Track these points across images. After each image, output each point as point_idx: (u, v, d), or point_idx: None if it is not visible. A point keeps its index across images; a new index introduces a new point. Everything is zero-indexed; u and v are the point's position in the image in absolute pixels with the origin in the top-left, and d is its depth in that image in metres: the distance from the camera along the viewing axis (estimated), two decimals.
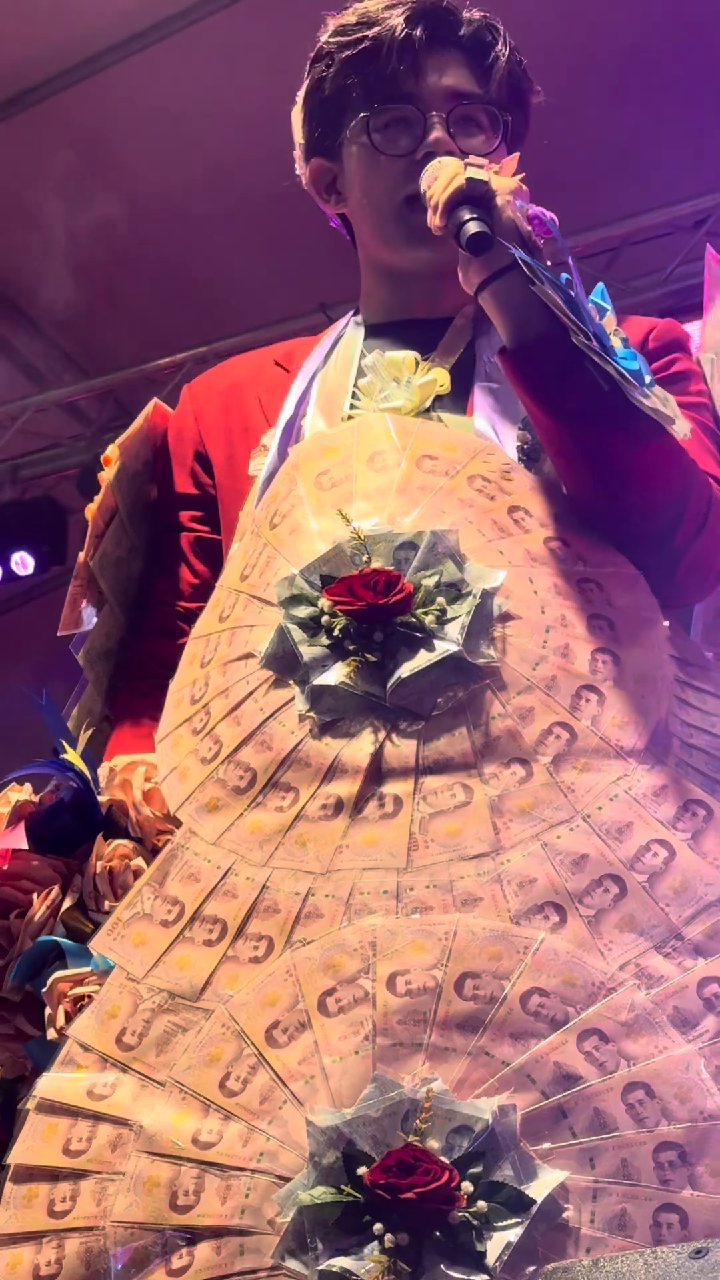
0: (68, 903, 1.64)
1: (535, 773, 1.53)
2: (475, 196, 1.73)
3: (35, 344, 5.52)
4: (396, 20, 1.94)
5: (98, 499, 1.99)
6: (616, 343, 1.67)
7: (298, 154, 2.08)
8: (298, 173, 2.09)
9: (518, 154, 1.89)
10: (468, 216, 1.71)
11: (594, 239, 4.63)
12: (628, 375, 1.62)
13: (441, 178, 1.78)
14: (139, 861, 1.66)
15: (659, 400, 1.67)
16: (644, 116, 4.38)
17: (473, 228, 1.70)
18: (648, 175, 4.55)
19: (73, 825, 1.71)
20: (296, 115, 2.07)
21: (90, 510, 2.00)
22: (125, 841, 1.68)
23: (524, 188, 1.79)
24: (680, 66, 4.31)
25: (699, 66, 4.31)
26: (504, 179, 1.77)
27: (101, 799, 1.73)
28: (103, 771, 1.78)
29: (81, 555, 1.98)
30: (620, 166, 4.47)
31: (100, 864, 1.65)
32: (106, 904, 1.64)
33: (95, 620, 2.00)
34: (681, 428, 1.68)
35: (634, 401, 1.62)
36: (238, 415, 2.00)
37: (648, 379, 1.68)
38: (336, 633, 1.60)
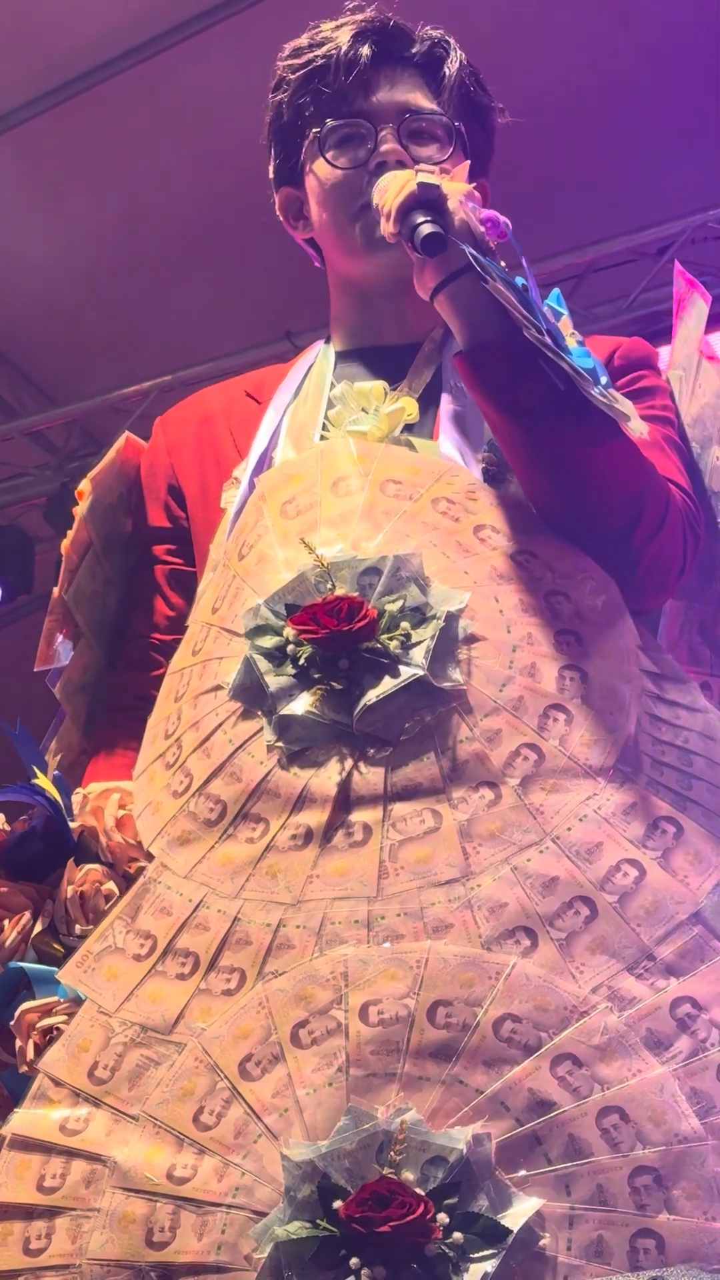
0: (39, 928, 1.64)
1: (504, 795, 1.53)
2: (427, 201, 1.73)
3: (1, 372, 5.51)
4: (344, 39, 1.96)
5: (71, 533, 1.99)
6: (572, 343, 1.67)
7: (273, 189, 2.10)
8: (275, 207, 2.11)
9: (468, 162, 1.91)
10: (420, 220, 1.71)
11: (558, 265, 4.64)
12: (582, 372, 1.63)
13: (392, 186, 1.79)
14: (110, 886, 1.66)
15: (616, 400, 1.67)
16: (607, 144, 4.40)
17: (426, 229, 1.70)
18: (611, 202, 4.56)
19: (44, 852, 1.70)
20: (270, 166, 2.09)
21: (64, 545, 2.00)
22: (96, 866, 1.68)
23: (476, 193, 1.80)
24: (643, 94, 4.32)
25: (662, 94, 4.32)
26: (455, 183, 1.78)
27: (73, 825, 1.73)
28: (76, 799, 1.77)
29: (56, 590, 1.98)
30: (584, 193, 4.48)
31: (71, 889, 1.65)
32: (78, 928, 1.64)
33: (71, 654, 2.00)
34: (637, 426, 1.68)
35: (589, 396, 1.62)
36: (210, 448, 2.00)
37: (603, 380, 1.68)
38: (302, 661, 1.59)
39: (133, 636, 2.01)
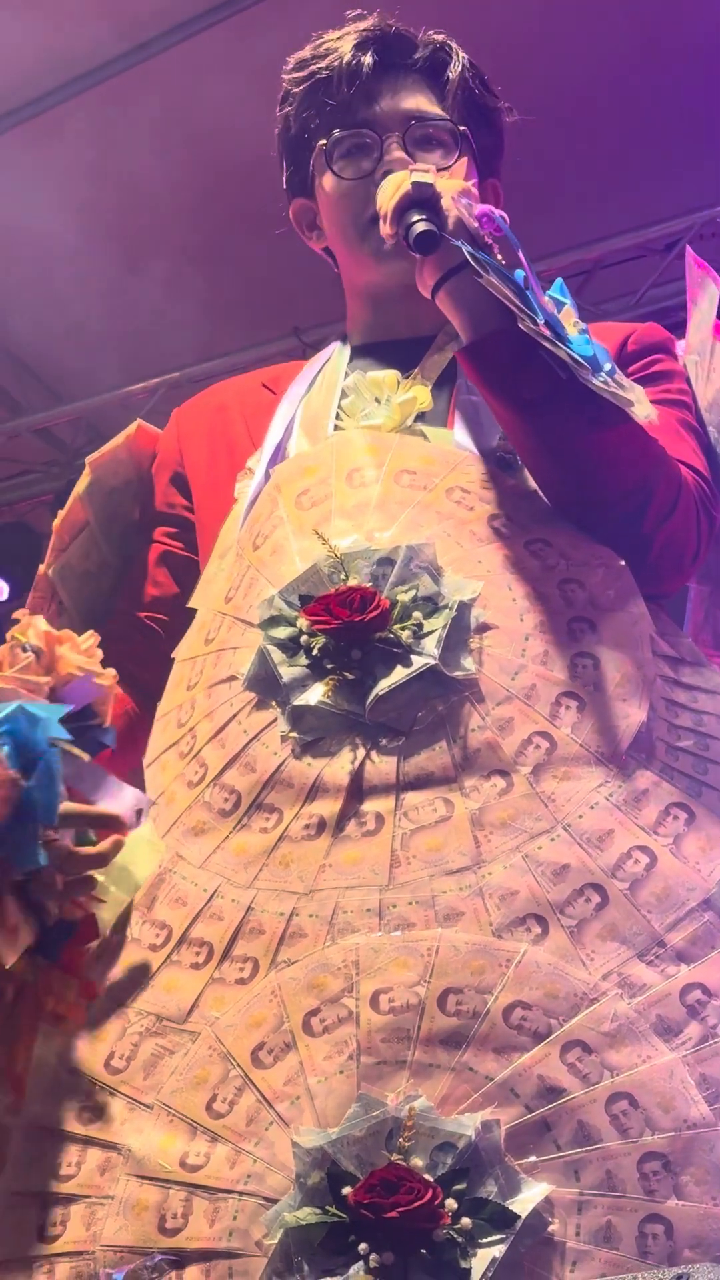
0: None
1: (515, 784, 1.53)
2: (421, 199, 1.75)
3: (9, 369, 5.52)
4: (346, 48, 1.97)
5: (63, 512, 2.00)
6: (573, 331, 1.67)
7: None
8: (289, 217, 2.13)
9: (465, 159, 1.91)
10: (415, 218, 1.73)
11: (566, 262, 4.65)
12: (581, 360, 1.63)
13: (388, 187, 1.80)
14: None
15: (620, 387, 1.67)
16: (615, 141, 4.39)
17: (419, 227, 1.71)
18: (619, 199, 4.56)
19: None
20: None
21: (55, 523, 2.00)
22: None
23: (472, 190, 1.81)
24: (651, 91, 4.32)
25: (669, 90, 4.32)
26: (450, 181, 1.79)
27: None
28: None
29: (41, 568, 1.98)
30: (592, 190, 4.48)
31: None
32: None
33: None
34: (642, 410, 1.68)
35: (588, 383, 1.63)
36: (223, 437, 2.02)
37: (608, 366, 1.68)
38: (315, 652, 1.60)
39: (117, 612, 2.03)
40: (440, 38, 2.02)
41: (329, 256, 2.12)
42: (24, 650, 1.61)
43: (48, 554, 1.99)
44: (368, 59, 1.96)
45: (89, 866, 1.54)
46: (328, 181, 1.99)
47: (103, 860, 1.54)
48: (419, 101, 1.98)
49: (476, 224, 1.74)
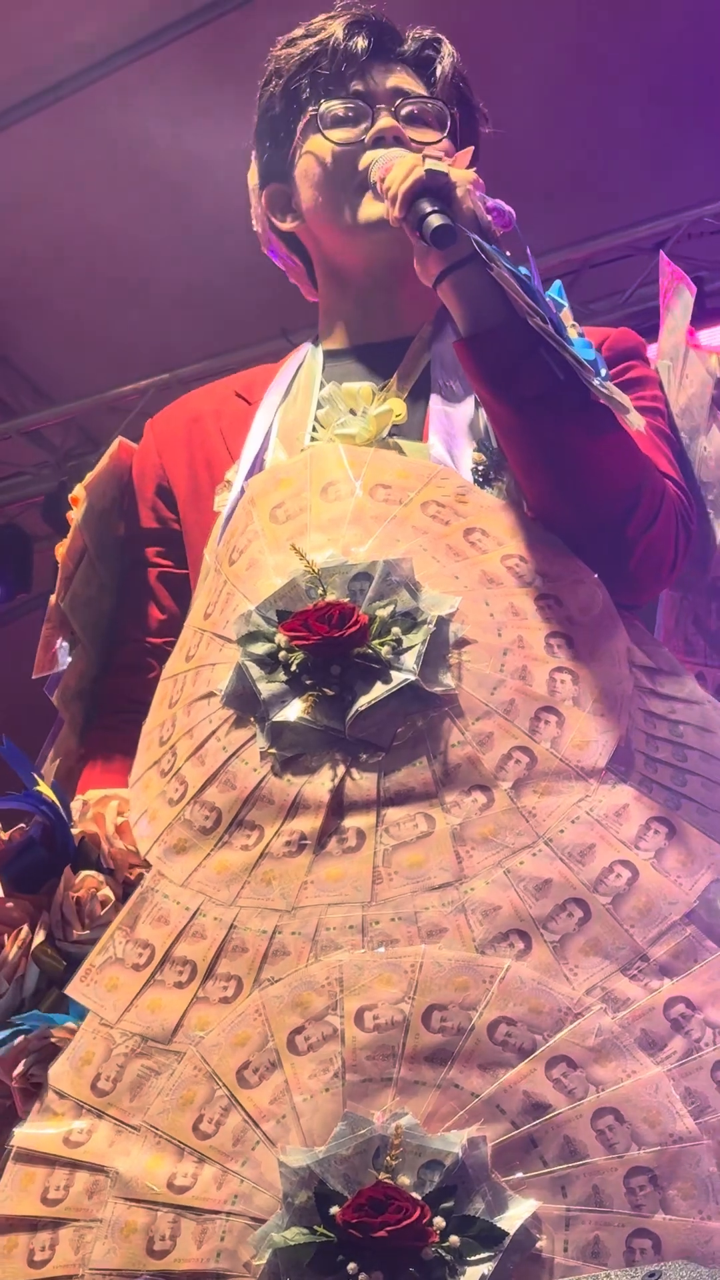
0: (38, 939, 1.64)
1: (496, 799, 1.53)
2: (435, 188, 1.73)
3: None
4: (339, 29, 1.97)
5: (66, 541, 2.00)
6: (573, 334, 1.68)
7: (253, 199, 2.09)
8: (253, 222, 2.11)
9: (472, 148, 1.91)
10: (429, 209, 1.71)
11: (554, 261, 4.65)
12: (584, 363, 1.63)
13: (399, 169, 1.78)
14: (106, 891, 1.67)
15: (614, 392, 1.67)
16: (602, 139, 4.39)
17: (436, 220, 1.69)
18: (607, 198, 4.56)
19: (45, 858, 1.71)
20: (252, 172, 2.09)
21: (60, 552, 2.00)
22: (94, 872, 1.69)
23: (480, 180, 1.80)
24: (639, 89, 4.31)
25: (657, 89, 4.31)
26: (462, 171, 1.78)
27: (74, 832, 1.73)
28: (75, 805, 1.78)
29: (53, 598, 1.98)
30: (580, 190, 4.47)
31: (70, 894, 1.66)
32: (74, 932, 1.64)
33: (69, 660, 2.01)
34: (635, 419, 1.69)
35: (589, 386, 1.63)
36: (201, 450, 2.00)
37: (602, 372, 1.68)
38: (294, 668, 1.60)
39: (126, 640, 2.02)
40: (428, 33, 2.02)
41: (297, 253, 2.10)
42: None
43: (57, 585, 1.99)
44: (361, 40, 1.97)
45: None
46: (316, 146, 1.96)
47: None
48: (409, 83, 1.98)
49: (489, 218, 1.73)
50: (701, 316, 1.94)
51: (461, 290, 1.73)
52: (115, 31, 4.25)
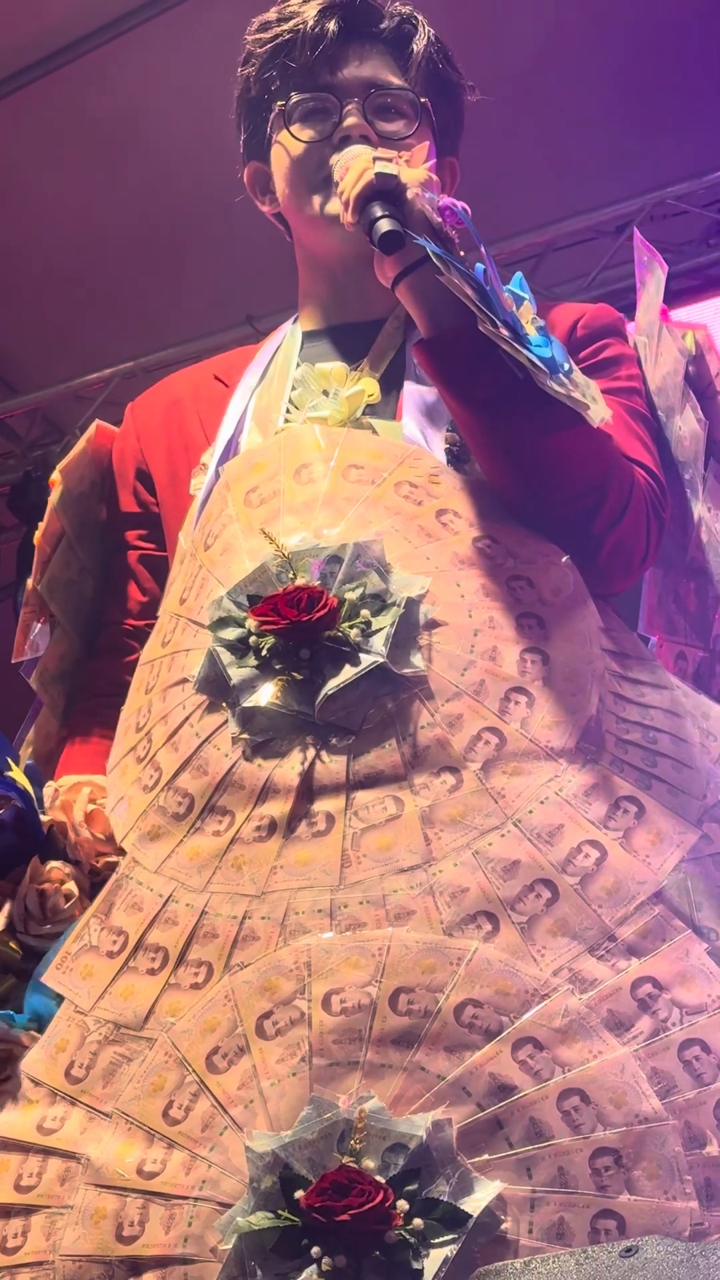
0: None
1: (465, 780, 1.53)
2: (385, 191, 1.73)
3: None
4: (311, 13, 1.96)
5: (43, 525, 2.01)
6: (532, 331, 1.66)
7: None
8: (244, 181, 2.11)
9: (427, 143, 1.90)
10: (379, 214, 1.71)
11: (518, 245, 4.63)
12: (539, 363, 1.62)
13: (351, 172, 1.78)
14: (71, 885, 1.67)
15: (576, 387, 1.66)
16: (565, 122, 4.36)
17: (384, 226, 1.69)
18: (570, 181, 4.53)
19: (14, 844, 1.71)
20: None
21: (36, 537, 2.01)
22: (60, 864, 1.69)
23: (434, 178, 1.80)
24: (601, 72, 4.28)
25: (619, 71, 4.28)
26: (413, 170, 1.77)
27: (44, 819, 1.73)
28: (47, 792, 1.78)
29: (30, 581, 1.98)
30: (543, 173, 4.45)
31: (33, 887, 1.66)
32: (35, 926, 1.64)
33: (48, 643, 2.01)
34: (597, 413, 1.67)
35: (545, 388, 1.62)
36: (178, 433, 2.01)
37: (565, 366, 1.67)
38: (264, 653, 1.60)
39: (108, 623, 2.02)
40: (406, 9, 2.01)
41: (281, 224, 2.10)
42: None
43: (34, 569, 2.00)
44: (332, 25, 1.95)
45: None
46: (284, 141, 1.96)
47: None
48: (381, 71, 1.96)
49: (440, 219, 1.72)
50: (666, 298, 1.92)
51: (417, 293, 1.73)
52: (84, 13, 4.22)
